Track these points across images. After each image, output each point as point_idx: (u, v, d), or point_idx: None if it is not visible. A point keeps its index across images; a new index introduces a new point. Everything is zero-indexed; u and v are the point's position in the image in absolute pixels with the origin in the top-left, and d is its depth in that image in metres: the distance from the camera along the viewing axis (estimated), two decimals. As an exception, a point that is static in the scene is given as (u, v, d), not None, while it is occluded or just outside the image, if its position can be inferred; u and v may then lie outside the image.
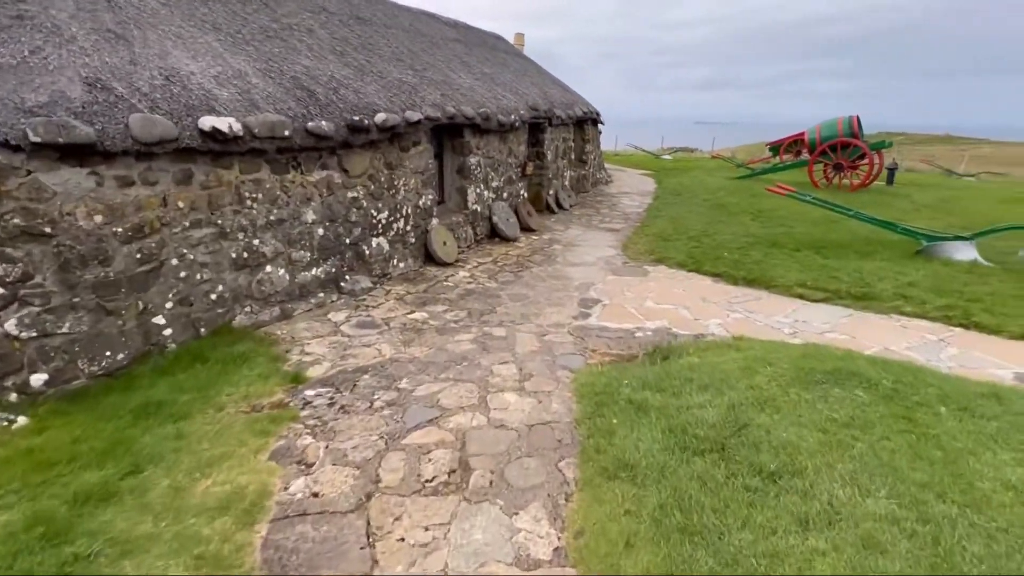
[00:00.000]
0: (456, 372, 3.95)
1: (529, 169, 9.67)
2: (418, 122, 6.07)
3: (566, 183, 12.38)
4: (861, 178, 13.58)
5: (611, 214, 11.36)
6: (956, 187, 17.13)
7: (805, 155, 22.29)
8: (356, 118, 5.10)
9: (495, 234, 8.52)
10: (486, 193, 8.32)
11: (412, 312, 5.27)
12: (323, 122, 4.75)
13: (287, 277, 4.77)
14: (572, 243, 8.68)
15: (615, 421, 3.04)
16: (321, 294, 5.17)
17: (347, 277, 5.47)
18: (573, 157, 12.91)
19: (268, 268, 4.57)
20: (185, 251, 3.90)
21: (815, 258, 6.72)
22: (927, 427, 2.86)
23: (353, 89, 5.61)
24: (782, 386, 3.19)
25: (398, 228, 6.22)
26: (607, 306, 5.65)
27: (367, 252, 5.72)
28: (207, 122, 3.75)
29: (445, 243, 6.96)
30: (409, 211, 6.40)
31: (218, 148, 3.92)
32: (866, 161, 13.61)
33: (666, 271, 6.92)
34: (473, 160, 7.83)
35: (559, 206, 11.49)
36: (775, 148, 23.37)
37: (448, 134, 7.65)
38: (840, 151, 13.64)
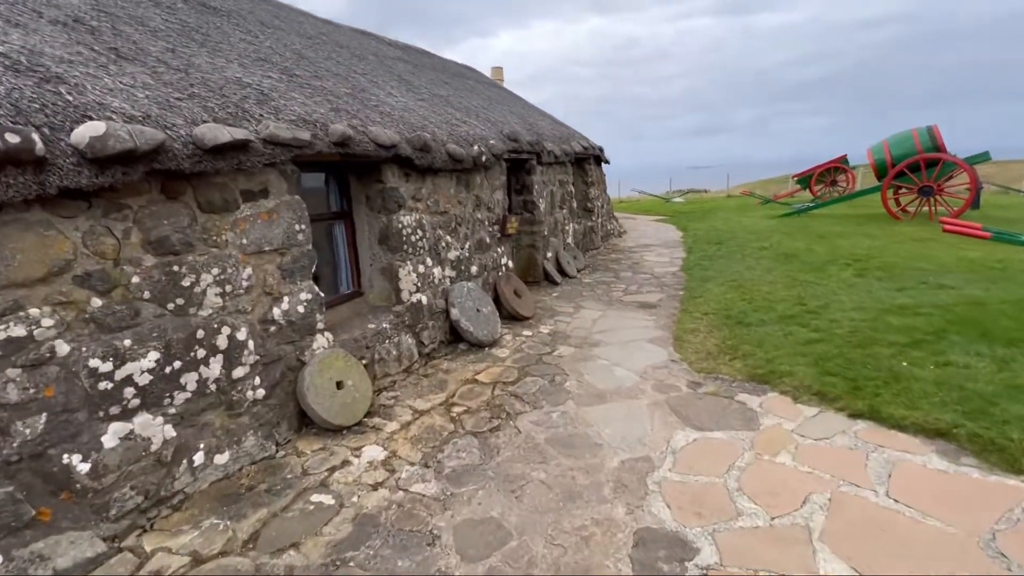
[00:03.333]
0: None
1: (512, 226, 6.39)
2: (242, 147, 2.78)
3: (569, 240, 9.09)
4: (964, 202, 10.21)
5: (637, 279, 7.95)
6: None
7: (842, 185, 19.32)
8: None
9: (459, 337, 5.07)
10: (437, 271, 4.95)
11: None
12: None
13: None
14: (589, 340, 5.19)
15: None
16: None
17: (-12, 563, 1.95)
18: (575, 205, 9.72)
19: None
20: None
21: None
22: None
23: (45, 76, 2.35)
24: None
25: (208, 380, 2.78)
26: (720, 582, 2.05)
27: (79, 469, 2.23)
28: None
29: (342, 384, 3.48)
30: (244, 337, 2.98)
31: None
32: (963, 183, 10.32)
33: (794, 412, 3.34)
34: (408, 219, 4.52)
35: (562, 273, 8.13)
36: (804, 180, 20.38)
37: (357, 176, 4.39)
38: (925, 171, 10.37)
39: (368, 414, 3.62)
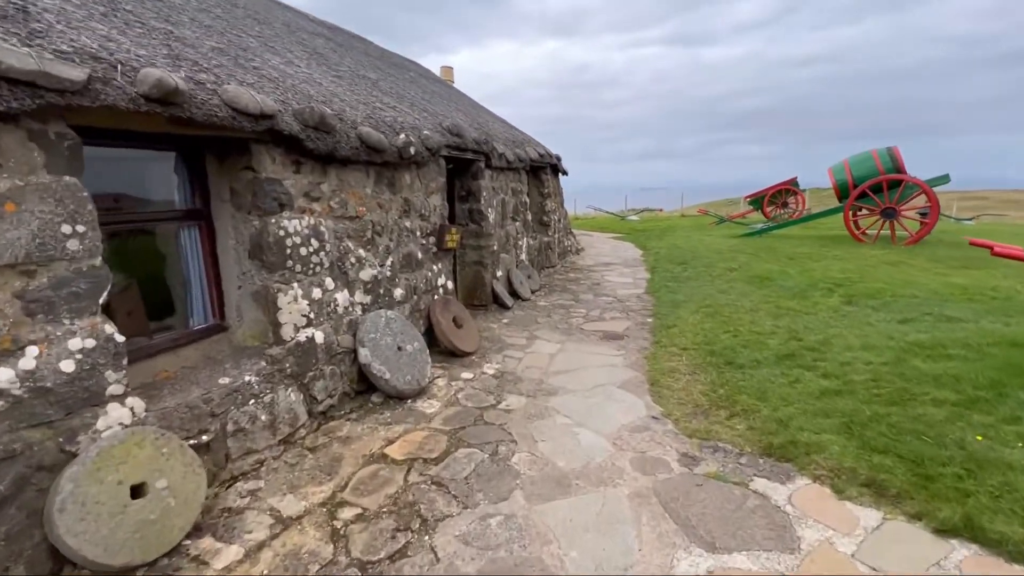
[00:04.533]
0: None
1: (452, 238, 5.18)
2: None
3: (522, 256, 7.98)
4: (926, 225, 9.97)
5: (599, 302, 6.93)
6: (1000, 233, 14.06)
7: (793, 206, 19.51)
8: None
9: (371, 386, 3.76)
10: (342, 296, 3.65)
11: None
12: None
13: None
14: (545, 386, 4.03)
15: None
16: None
17: None
18: (530, 218, 8.65)
19: None
20: None
21: None
22: None
23: None
24: None
25: None
26: None
27: None
28: None
29: (144, 489, 2.11)
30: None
31: None
32: (924, 204, 10.09)
33: (845, 518, 2.26)
34: (295, 225, 3.22)
35: (514, 295, 6.99)
36: (756, 201, 20.47)
37: (219, 159, 3.06)
38: (887, 192, 10.08)
39: (194, 531, 2.25)
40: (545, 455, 3.00)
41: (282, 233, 3.13)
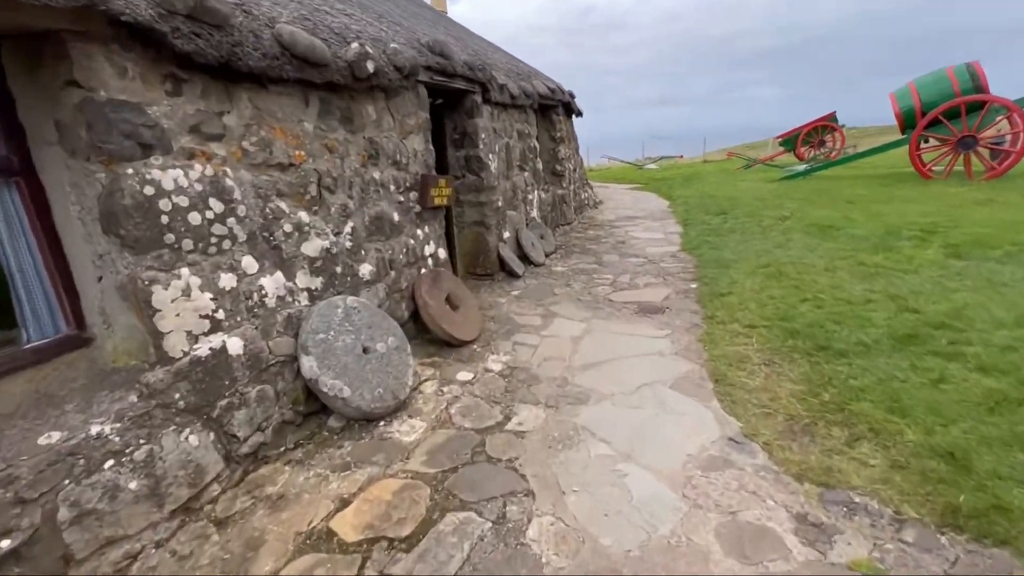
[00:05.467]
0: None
1: (440, 193, 3.97)
2: None
3: (534, 214, 6.73)
4: (1014, 155, 8.36)
5: (627, 264, 5.73)
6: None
7: (831, 144, 17.61)
8: None
9: (323, 408, 2.68)
10: (271, 282, 2.52)
11: None
12: None
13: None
14: (570, 388, 2.93)
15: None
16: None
17: None
18: (541, 167, 7.32)
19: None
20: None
21: None
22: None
23: None
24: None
25: None
26: None
27: None
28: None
29: None
30: None
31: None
32: (998, 133, 8.43)
33: None
34: (170, 178, 2.05)
35: (525, 260, 5.81)
36: (789, 141, 18.56)
37: (28, 72, 1.87)
38: (965, 118, 8.42)
39: None
40: (579, 522, 1.92)
41: (151, 191, 1.96)
